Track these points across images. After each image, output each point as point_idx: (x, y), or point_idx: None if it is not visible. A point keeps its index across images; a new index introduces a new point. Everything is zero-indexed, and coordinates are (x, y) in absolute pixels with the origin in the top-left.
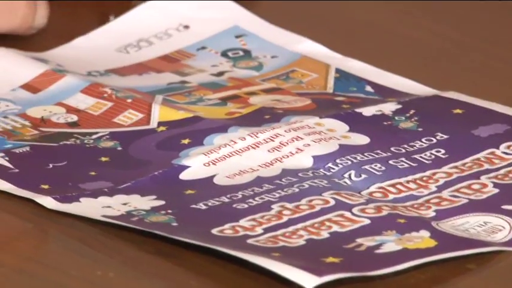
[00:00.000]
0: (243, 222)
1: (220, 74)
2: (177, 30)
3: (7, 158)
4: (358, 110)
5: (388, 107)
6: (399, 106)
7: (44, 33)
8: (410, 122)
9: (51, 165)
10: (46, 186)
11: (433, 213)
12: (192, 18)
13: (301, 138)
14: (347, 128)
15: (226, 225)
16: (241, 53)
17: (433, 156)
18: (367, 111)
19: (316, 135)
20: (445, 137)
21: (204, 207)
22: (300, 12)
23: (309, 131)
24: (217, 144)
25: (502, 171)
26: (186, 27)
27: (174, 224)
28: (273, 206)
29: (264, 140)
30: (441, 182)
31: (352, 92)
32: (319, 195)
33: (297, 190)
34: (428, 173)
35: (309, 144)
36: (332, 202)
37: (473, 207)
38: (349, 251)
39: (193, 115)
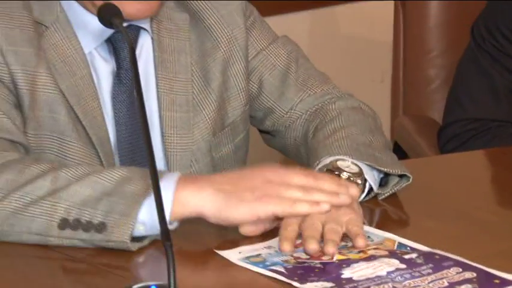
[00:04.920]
0: None
1: None
2: None
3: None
4: (403, 256)
5: (414, 255)
6: (417, 254)
7: None
8: (419, 260)
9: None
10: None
11: None
12: None
13: (381, 265)
14: (398, 262)
15: None
16: (366, 237)
17: (426, 271)
18: (407, 256)
19: (387, 263)
20: (432, 265)
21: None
22: None
23: (385, 262)
24: (353, 267)
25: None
26: None
27: None
28: None
29: (372, 265)
30: (429, 279)
31: (402, 249)
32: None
33: (374, 282)
34: (425, 277)
35: (384, 267)
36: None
37: None
38: None
39: (346, 258)
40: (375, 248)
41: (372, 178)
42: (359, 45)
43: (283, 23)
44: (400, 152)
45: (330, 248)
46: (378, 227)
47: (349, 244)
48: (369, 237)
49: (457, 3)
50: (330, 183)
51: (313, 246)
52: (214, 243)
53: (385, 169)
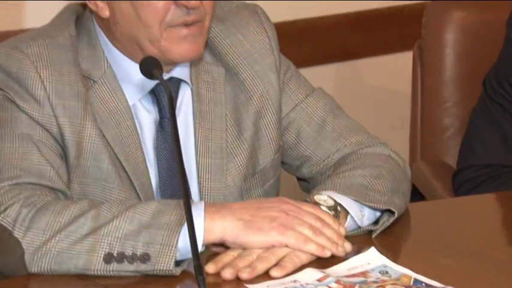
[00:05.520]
0: None
1: (378, 278)
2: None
3: None
4: None
5: None
6: None
7: None
8: None
9: None
10: None
11: None
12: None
13: None
14: None
15: None
16: (385, 272)
17: None
18: None
19: None
20: None
21: None
22: None
23: None
24: None
25: None
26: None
27: None
28: None
29: None
30: None
31: (417, 285)
32: None
33: None
34: None
35: None
36: None
37: None
38: None
39: None
40: (392, 284)
41: (358, 213)
42: (380, 95)
43: (310, 75)
44: (417, 195)
45: (243, 274)
46: (396, 263)
47: (369, 279)
48: (387, 272)
49: (470, 59)
50: (332, 232)
51: (227, 275)
52: None
53: (370, 204)
